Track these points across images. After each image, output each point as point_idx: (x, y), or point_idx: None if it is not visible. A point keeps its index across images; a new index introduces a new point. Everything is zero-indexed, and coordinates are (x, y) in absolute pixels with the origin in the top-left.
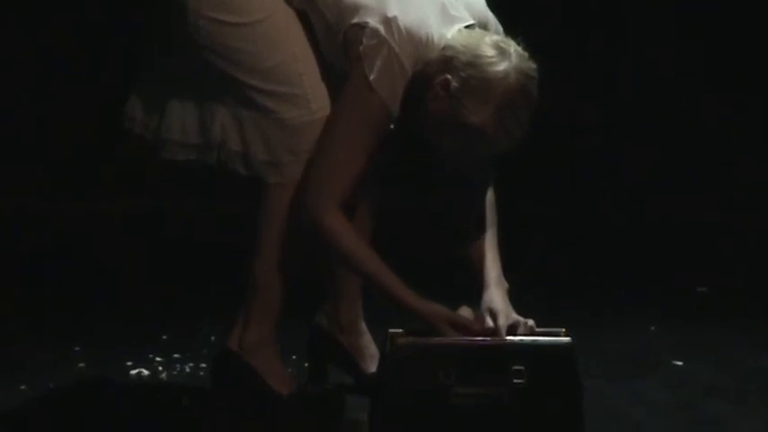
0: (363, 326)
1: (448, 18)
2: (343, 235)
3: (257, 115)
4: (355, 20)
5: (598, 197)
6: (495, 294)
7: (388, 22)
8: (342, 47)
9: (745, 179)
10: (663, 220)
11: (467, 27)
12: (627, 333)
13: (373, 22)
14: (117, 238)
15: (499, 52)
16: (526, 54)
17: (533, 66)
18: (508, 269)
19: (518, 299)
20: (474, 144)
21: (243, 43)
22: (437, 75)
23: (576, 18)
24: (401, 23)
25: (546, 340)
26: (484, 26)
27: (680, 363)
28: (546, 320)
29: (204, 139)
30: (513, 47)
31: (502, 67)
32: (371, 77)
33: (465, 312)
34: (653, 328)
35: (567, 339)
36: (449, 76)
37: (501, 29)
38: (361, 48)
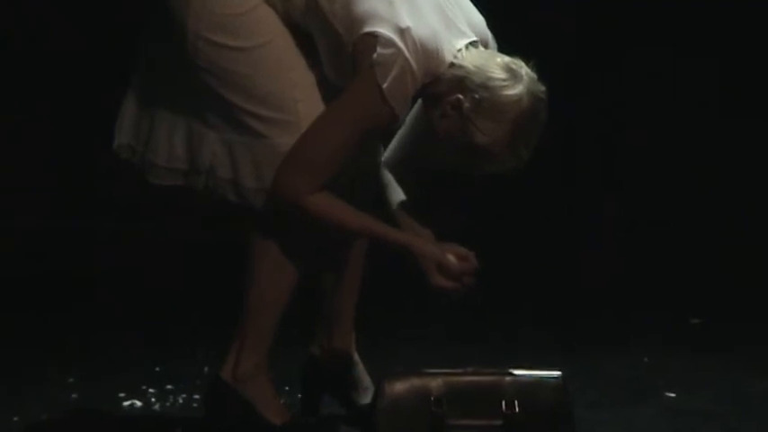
0: (356, 357)
1: (455, 33)
2: (321, 203)
3: (249, 140)
4: (368, 29)
5: (597, 219)
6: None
7: (402, 32)
8: (350, 60)
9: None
10: (661, 247)
11: (471, 44)
12: (623, 362)
13: (387, 31)
14: (111, 261)
15: (511, 75)
16: (535, 76)
17: (543, 88)
18: (506, 300)
19: (516, 329)
20: (480, 162)
21: (241, 67)
22: (448, 93)
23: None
24: (414, 35)
25: (538, 374)
26: (485, 45)
27: (674, 392)
28: (542, 349)
29: (191, 165)
30: (524, 69)
31: (516, 90)
32: (385, 86)
33: (450, 258)
34: (646, 359)
35: (558, 373)
36: (460, 96)
37: (496, 47)
38: (375, 55)
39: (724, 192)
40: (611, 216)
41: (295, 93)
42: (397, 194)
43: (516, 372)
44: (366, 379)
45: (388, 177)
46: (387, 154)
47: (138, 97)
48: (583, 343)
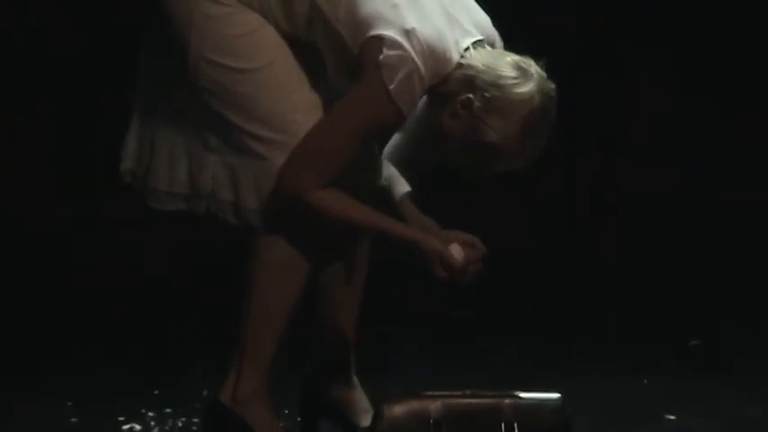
0: (355, 379)
1: (460, 32)
2: (326, 198)
3: (250, 162)
4: (374, 32)
5: (596, 247)
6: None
7: (408, 34)
8: (355, 64)
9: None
10: (659, 269)
11: (476, 43)
12: (623, 384)
13: (393, 33)
14: (105, 283)
15: (522, 73)
16: (545, 74)
17: (553, 86)
18: (506, 303)
19: (513, 351)
20: (488, 161)
21: (243, 88)
22: (457, 93)
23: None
24: (420, 36)
25: (537, 396)
26: (491, 43)
27: (674, 415)
28: (539, 373)
29: (193, 189)
30: (533, 67)
31: (527, 88)
32: (391, 87)
33: (454, 250)
34: (646, 381)
35: (557, 395)
36: (471, 96)
37: (502, 45)
38: (381, 57)
39: (724, 192)
40: (611, 219)
41: (297, 115)
42: (401, 186)
43: (516, 394)
44: (365, 401)
45: (391, 170)
46: (386, 154)
47: (140, 121)
48: (582, 364)
